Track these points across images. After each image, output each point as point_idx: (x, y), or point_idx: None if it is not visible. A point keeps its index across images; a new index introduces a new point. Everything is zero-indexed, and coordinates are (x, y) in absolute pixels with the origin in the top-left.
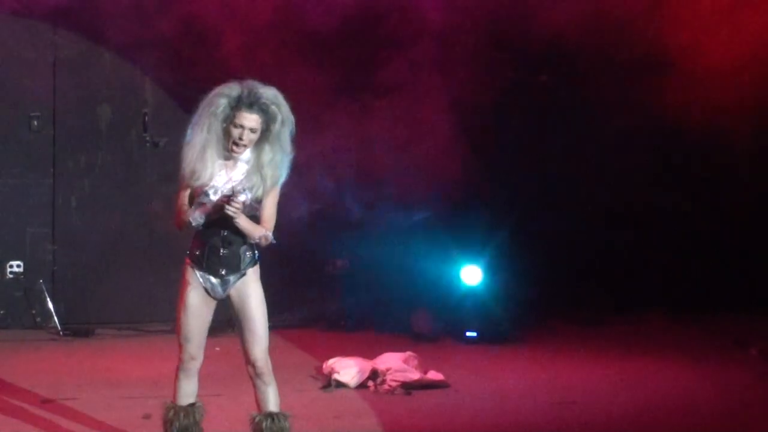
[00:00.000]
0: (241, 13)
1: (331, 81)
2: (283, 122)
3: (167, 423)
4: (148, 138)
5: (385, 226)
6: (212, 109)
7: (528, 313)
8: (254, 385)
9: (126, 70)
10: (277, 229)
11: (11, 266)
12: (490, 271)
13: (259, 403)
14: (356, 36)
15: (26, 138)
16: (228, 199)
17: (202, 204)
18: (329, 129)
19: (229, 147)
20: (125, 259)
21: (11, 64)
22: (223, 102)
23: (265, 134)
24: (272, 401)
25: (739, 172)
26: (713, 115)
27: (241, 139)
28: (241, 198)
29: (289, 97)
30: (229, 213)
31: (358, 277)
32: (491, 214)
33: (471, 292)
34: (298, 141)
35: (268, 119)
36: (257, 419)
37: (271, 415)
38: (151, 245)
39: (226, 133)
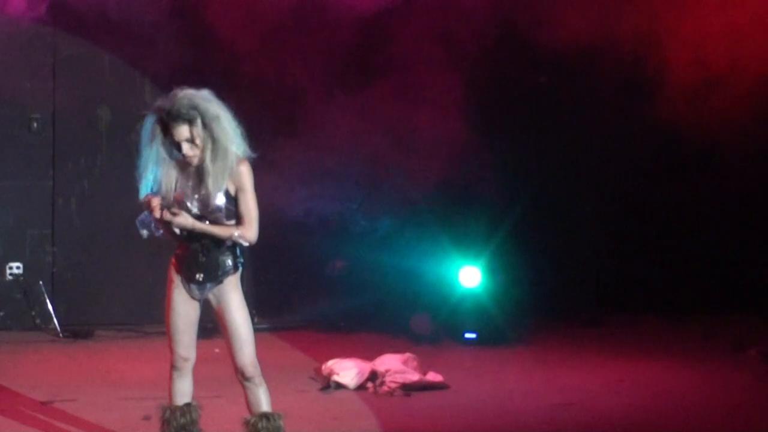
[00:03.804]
0: (240, 14)
1: (328, 81)
2: (205, 123)
3: (164, 423)
4: None
5: (384, 227)
6: (151, 137)
7: (527, 315)
8: (245, 388)
9: (125, 72)
10: (277, 230)
11: (11, 267)
12: (489, 272)
13: (251, 405)
14: (355, 35)
15: (26, 139)
16: (162, 215)
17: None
18: (326, 129)
19: (184, 162)
20: (125, 260)
21: (11, 65)
22: (155, 127)
23: (200, 139)
24: (265, 402)
25: (738, 175)
26: (713, 119)
27: (182, 152)
28: (170, 215)
29: (288, 97)
30: (177, 227)
31: (357, 278)
32: (490, 216)
33: (470, 294)
34: (296, 142)
35: (191, 124)
36: (252, 421)
37: (266, 415)
38: (150, 247)
39: (173, 151)
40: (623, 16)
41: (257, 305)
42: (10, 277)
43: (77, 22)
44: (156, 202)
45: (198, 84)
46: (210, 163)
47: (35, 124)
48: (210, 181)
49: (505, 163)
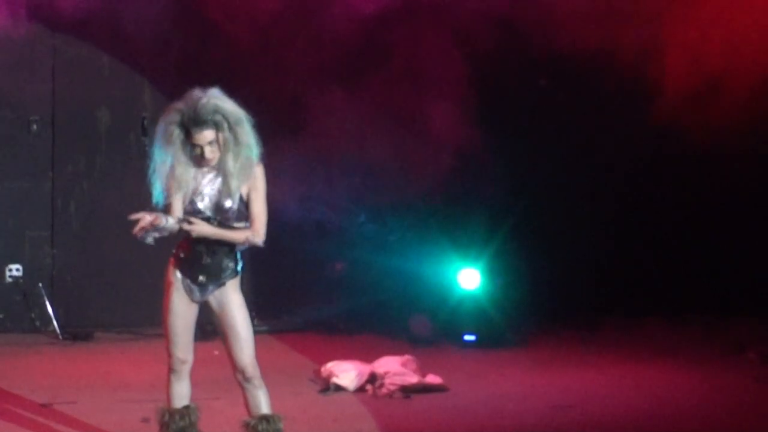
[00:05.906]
0: (240, 15)
1: (328, 83)
2: (230, 126)
3: (163, 426)
4: (146, 142)
5: (383, 228)
6: (168, 138)
7: (526, 317)
8: (244, 390)
9: (125, 74)
10: (276, 232)
11: (10, 270)
12: (489, 274)
13: (250, 407)
14: (357, 37)
15: (26, 141)
16: (181, 223)
17: (158, 229)
18: (324, 130)
19: (199, 164)
20: (124, 262)
21: (11, 67)
22: (173, 129)
23: (222, 142)
24: (264, 404)
25: (738, 175)
26: (713, 120)
27: (203, 155)
28: (188, 225)
29: (288, 98)
30: (195, 236)
31: (356, 280)
32: (490, 218)
33: (469, 296)
34: (295, 144)
35: (218, 129)
36: (252, 423)
37: (265, 418)
38: (150, 249)
39: (191, 152)
40: (624, 20)
41: (257, 307)
42: (10, 280)
43: (77, 24)
44: (146, 220)
45: (198, 85)
46: (233, 164)
47: (35, 126)
48: (233, 183)
49: (505, 164)
